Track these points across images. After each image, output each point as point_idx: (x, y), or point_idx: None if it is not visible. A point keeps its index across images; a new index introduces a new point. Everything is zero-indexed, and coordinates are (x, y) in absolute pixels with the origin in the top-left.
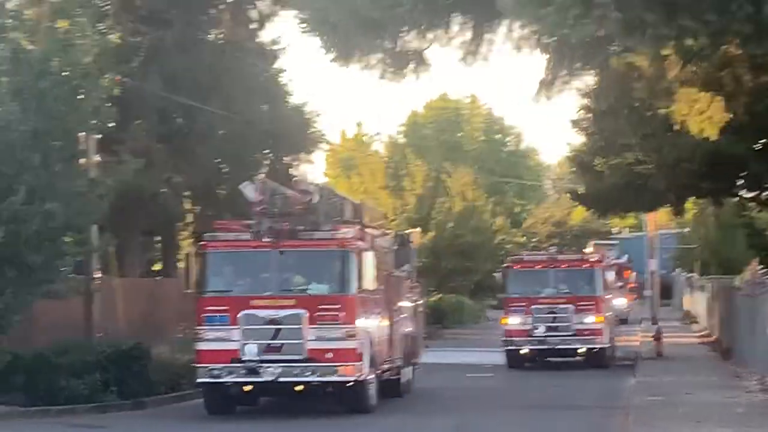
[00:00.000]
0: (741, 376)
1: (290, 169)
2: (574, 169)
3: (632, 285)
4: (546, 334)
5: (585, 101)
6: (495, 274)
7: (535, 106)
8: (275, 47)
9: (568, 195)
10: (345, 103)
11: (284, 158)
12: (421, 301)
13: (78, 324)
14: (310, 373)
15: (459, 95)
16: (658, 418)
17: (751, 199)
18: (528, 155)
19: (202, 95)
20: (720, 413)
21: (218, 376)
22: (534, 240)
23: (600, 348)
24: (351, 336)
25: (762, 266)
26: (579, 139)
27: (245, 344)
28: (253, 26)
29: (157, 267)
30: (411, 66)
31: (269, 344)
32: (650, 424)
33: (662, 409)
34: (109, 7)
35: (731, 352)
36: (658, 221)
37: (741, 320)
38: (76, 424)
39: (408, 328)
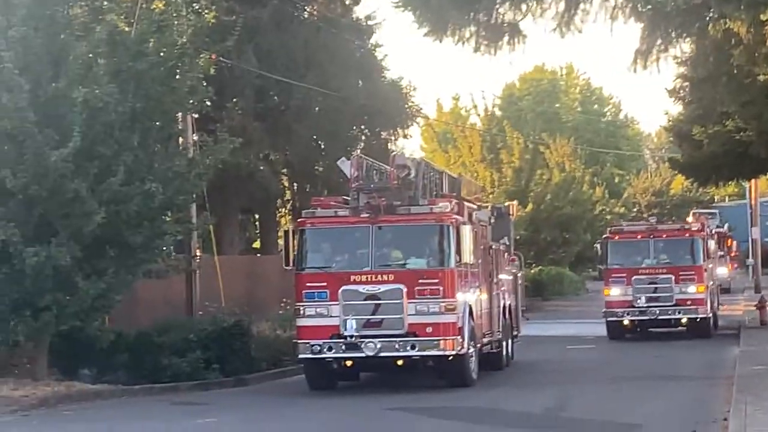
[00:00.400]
0: None
1: (387, 144)
2: (673, 138)
3: (734, 254)
4: (647, 304)
5: (682, 70)
6: (595, 246)
7: (633, 75)
8: (370, 22)
9: (668, 164)
10: (441, 77)
11: (381, 133)
12: (520, 274)
13: (179, 303)
14: (410, 347)
15: (555, 66)
16: (763, 388)
17: None
18: (627, 125)
19: (297, 72)
20: None
21: (319, 352)
22: (634, 210)
23: (702, 318)
24: (450, 310)
25: None
26: (677, 108)
27: (345, 320)
28: (347, 2)
29: (257, 245)
30: (505, 38)
31: (369, 319)
32: (756, 394)
33: (767, 379)
34: None
35: None
36: (760, 188)
37: None
38: (179, 401)
39: (507, 301)
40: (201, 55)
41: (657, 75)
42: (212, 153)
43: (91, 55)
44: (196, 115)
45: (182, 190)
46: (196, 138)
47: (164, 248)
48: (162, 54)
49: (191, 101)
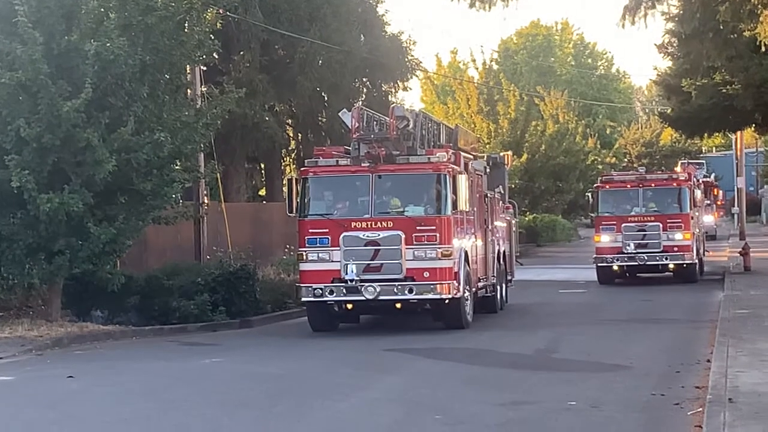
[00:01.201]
0: None
1: (387, 97)
2: (662, 92)
3: (720, 202)
4: (636, 250)
5: (670, 25)
6: (586, 194)
7: (622, 31)
8: None
9: (658, 117)
10: (440, 31)
11: (382, 86)
12: (514, 221)
13: (188, 248)
14: (408, 291)
15: (550, 22)
16: (745, 331)
17: None
18: (618, 78)
19: (301, 26)
20: None
21: (321, 295)
22: (625, 160)
23: (688, 263)
24: (447, 255)
25: None
26: (665, 62)
27: (346, 264)
28: None
29: (262, 192)
30: None
31: (369, 264)
32: (737, 337)
33: (749, 322)
34: None
35: None
36: (745, 140)
37: None
38: (188, 342)
39: (502, 247)
40: (208, 10)
41: (645, 30)
42: (219, 104)
43: (102, 10)
44: (204, 68)
45: (190, 139)
46: (203, 89)
47: (173, 195)
48: (170, 8)
49: (199, 54)
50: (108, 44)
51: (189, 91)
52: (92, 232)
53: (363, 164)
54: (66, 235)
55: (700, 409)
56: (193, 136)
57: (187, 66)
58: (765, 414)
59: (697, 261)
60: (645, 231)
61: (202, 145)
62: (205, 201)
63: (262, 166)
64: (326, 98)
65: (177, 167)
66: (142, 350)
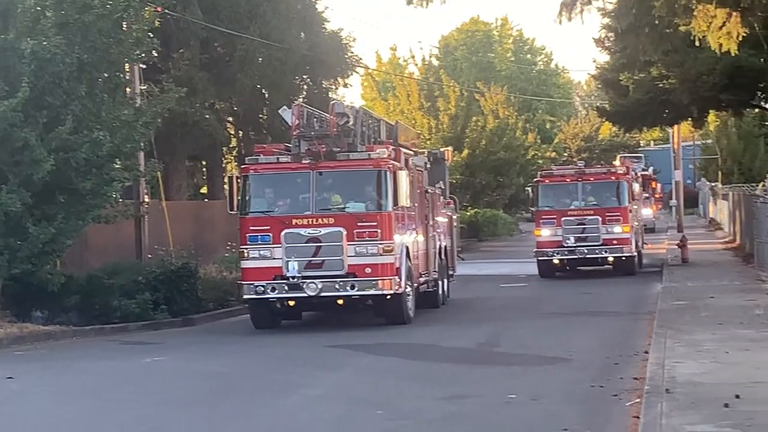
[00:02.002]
0: (762, 279)
1: (328, 93)
2: (600, 86)
3: (658, 195)
4: (576, 244)
5: (606, 20)
6: (527, 189)
7: (560, 27)
8: None
9: (595, 111)
10: (380, 29)
11: (322, 83)
12: (455, 216)
13: (128, 246)
14: (350, 287)
15: (490, 18)
16: (682, 322)
17: None
18: (557, 74)
19: (241, 24)
20: (741, 316)
21: (263, 293)
22: (564, 155)
23: (627, 256)
24: (388, 251)
25: None
26: (603, 57)
27: (288, 261)
28: None
29: (204, 190)
30: None
31: (310, 261)
32: (675, 328)
33: (687, 313)
34: None
35: (753, 256)
36: (682, 134)
37: (762, 226)
38: (129, 341)
39: (443, 242)
40: (146, 8)
41: (583, 26)
42: (159, 102)
43: (38, 8)
44: (143, 66)
45: (129, 138)
46: (143, 88)
47: (113, 194)
48: (108, 6)
49: (137, 52)
50: (45, 43)
51: (128, 89)
52: (31, 232)
53: (304, 161)
54: (4, 236)
55: (638, 399)
56: (132, 134)
57: (126, 64)
58: (701, 404)
59: (635, 254)
60: (584, 224)
61: (142, 144)
62: (146, 199)
63: (203, 164)
64: (267, 96)
65: (117, 166)
66: (83, 350)
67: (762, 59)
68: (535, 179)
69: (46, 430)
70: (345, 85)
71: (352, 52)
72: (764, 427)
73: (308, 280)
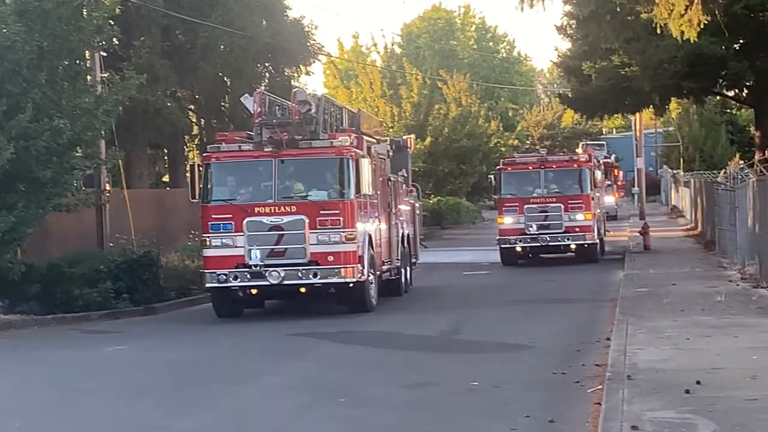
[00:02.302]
0: (723, 266)
1: (290, 81)
2: (562, 73)
3: (620, 183)
4: (538, 232)
5: (568, 8)
6: (489, 177)
7: (521, 14)
8: None
9: (558, 99)
10: (342, 16)
11: (284, 71)
12: (418, 204)
13: (90, 235)
14: (312, 275)
15: (452, 5)
16: (644, 309)
17: (732, 98)
18: (520, 61)
19: (202, 11)
20: (703, 302)
21: (225, 281)
22: (527, 143)
23: (589, 244)
24: (350, 239)
25: (743, 161)
26: (565, 44)
27: (250, 250)
28: None
29: (166, 178)
30: None
31: (273, 249)
32: (637, 315)
33: (648, 300)
34: None
35: (714, 243)
36: (644, 121)
37: (723, 213)
38: (91, 330)
39: (406, 230)
40: None
41: (545, 13)
42: (120, 90)
43: None
44: (104, 54)
45: (90, 126)
46: (103, 76)
47: (74, 183)
48: None
49: (98, 40)
50: (4, 30)
51: (88, 77)
52: None
53: (266, 149)
54: None
55: (600, 386)
56: (93, 122)
57: (87, 52)
58: (662, 390)
59: (598, 241)
60: (547, 212)
61: (102, 132)
62: (107, 188)
63: (165, 152)
64: (229, 83)
65: (77, 154)
66: (44, 339)
67: (723, 47)
68: (497, 167)
69: (4, 419)
70: (307, 73)
71: (314, 40)
72: (725, 412)
73: (271, 269)
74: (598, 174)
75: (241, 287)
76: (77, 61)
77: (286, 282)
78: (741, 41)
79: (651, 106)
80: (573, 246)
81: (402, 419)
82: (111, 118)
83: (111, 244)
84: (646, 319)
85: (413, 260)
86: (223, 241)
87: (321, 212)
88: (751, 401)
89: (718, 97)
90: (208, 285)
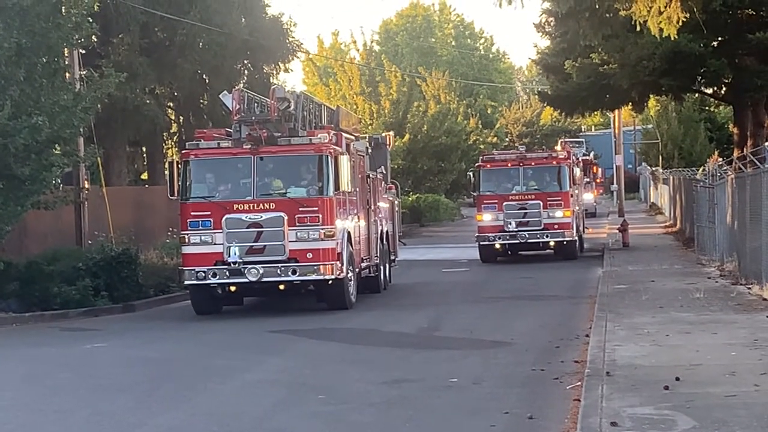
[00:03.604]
0: (702, 263)
1: (269, 79)
2: (541, 70)
3: (599, 180)
4: (517, 229)
5: (547, 5)
6: (468, 173)
7: (500, 11)
8: None
9: (537, 96)
10: (321, 14)
11: (263, 68)
12: (397, 201)
13: (69, 233)
14: (291, 272)
15: (429, 2)
16: (623, 306)
17: (711, 95)
18: (499, 59)
19: (181, 9)
20: (681, 299)
21: (204, 278)
22: (506, 140)
23: (568, 241)
24: (329, 236)
25: (721, 158)
26: (544, 42)
27: (229, 247)
28: None
29: (145, 176)
30: None
31: (252, 246)
32: (616, 311)
33: (627, 297)
34: None
35: (693, 240)
36: (623, 119)
37: (702, 210)
38: (70, 327)
39: (385, 227)
40: None
41: (523, 10)
42: (98, 87)
43: None
44: (82, 51)
45: (69, 123)
46: (82, 73)
47: (52, 180)
48: None
49: (76, 37)
50: None
51: (67, 74)
52: None
53: (245, 146)
54: None
55: (579, 383)
56: (71, 120)
57: (65, 49)
58: (641, 386)
59: (577, 238)
60: (526, 209)
61: (81, 129)
62: (86, 185)
63: (144, 149)
64: (207, 81)
65: (56, 152)
66: (22, 337)
67: (701, 44)
68: (476, 164)
69: None
70: (286, 70)
71: (293, 37)
72: (703, 408)
73: (249, 266)
74: (577, 171)
75: (220, 284)
76: (56, 59)
77: (264, 279)
78: (719, 39)
79: (630, 103)
80: (552, 243)
81: (380, 415)
82: (90, 115)
83: (90, 242)
84: (624, 316)
85: (392, 257)
86: (202, 238)
87: (300, 209)
88: (729, 397)
89: (696, 95)
90: (186, 282)
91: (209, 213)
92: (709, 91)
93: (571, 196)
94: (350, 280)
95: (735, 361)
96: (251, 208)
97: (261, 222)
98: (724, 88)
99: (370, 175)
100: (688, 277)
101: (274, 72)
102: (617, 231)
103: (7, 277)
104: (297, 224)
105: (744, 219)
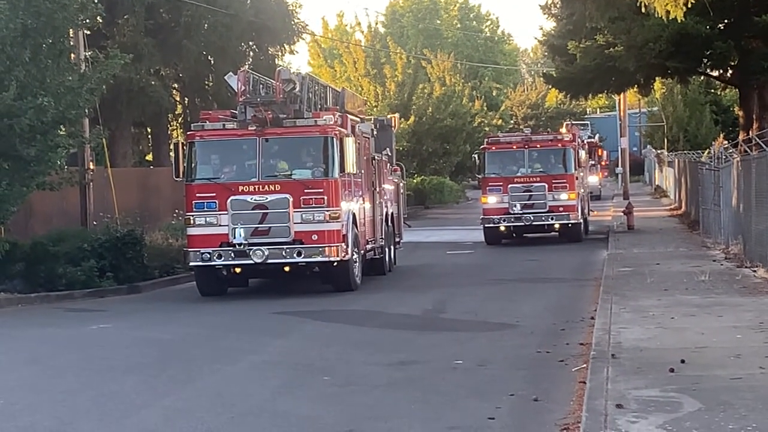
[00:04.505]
0: (707, 246)
1: (275, 60)
2: (547, 52)
3: (604, 162)
4: (522, 211)
5: None
6: (473, 156)
7: None
8: None
9: (542, 78)
10: None
11: (268, 49)
12: (402, 183)
13: (74, 214)
14: (296, 254)
15: None
16: (628, 288)
17: (717, 78)
18: (504, 41)
19: None
20: (687, 282)
21: (209, 260)
22: (511, 122)
23: (573, 223)
24: (334, 218)
25: (727, 141)
26: (550, 23)
27: (234, 228)
28: None
29: (149, 157)
30: None
31: (257, 228)
32: (620, 294)
33: (632, 280)
34: None
35: (698, 223)
36: (628, 101)
37: (707, 193)
38: (75, 308)
39: (390, 209)
40: None
41: None
42: (104, 68)
43: None
44: (88, 32)
45: (74, 104)
46: (87, 54)
47: (57, 161)
48: None
49: (82, 18)
50: None
51: (72, 55)
52: None
53: (250, 128)
54: None
55: (584, 365)
56: (77, 101)
57: (71, 30)
58: (646, 368)
59: (582, 221)
60: (531, 192)
61: (86, 110)
62: (91, 166)
63: (149, 130)
64: (212, 62)
65: (61, 132)
66: (28, 318)
67: (708, 27)
68: (481, 146)
69: None
70: (291, 52)
71: (298, 19)
72: (709, 391)
73: (255, 247)
74: (582, 153)
75: (225, 266)
76: (61, 39)
77: (270, 261)
78: (726, 21)
79: (635, 85)
80: (557, 225)
81: (385, 397)
82: (95, 96)
83: (95, 223)
84: (630, 299)
85: (397, 239)
86: (207, 219)
87: (305, 191)
88: (735, 380)
89: (702, 77)
90: (191, 264)
91: (214, 194)
92: (715, 73)
93: (576, 178)
94: (355, 262)
95: (740, 344)
96: (256, 189)
97: (266, 204)
98: (730, 71)
99: (375, 157)
100: (693, 260)
101: (280, 53)
102: (622, 213)
103: (12, 257)
104: (302, 206)
105: (749, 202)
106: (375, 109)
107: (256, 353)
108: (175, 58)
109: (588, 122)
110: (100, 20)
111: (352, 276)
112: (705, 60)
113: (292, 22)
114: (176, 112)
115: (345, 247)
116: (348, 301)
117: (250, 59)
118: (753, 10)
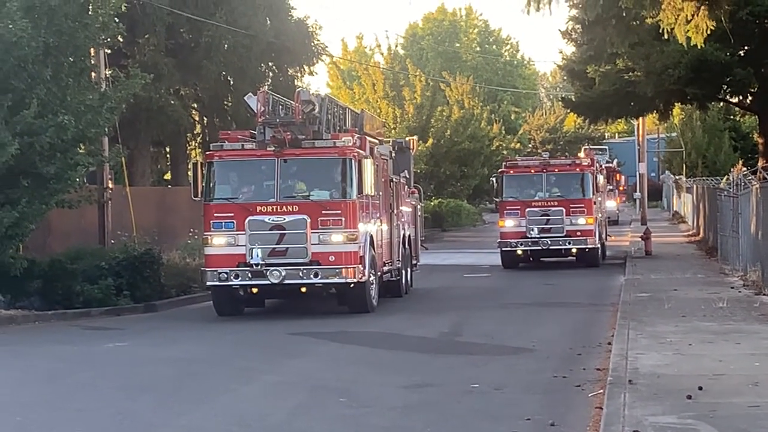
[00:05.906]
0: (725, 272)
1: (294, 81)
2: (566, 77)
3: (622, 187)
4: (539, 235)
5: (574, 12)
6: (491, 179)
7: (527, 17)
8: None
9: (561, 103)
10: (347, 17)
11: (288, 70)
12: (419, 206)
13: (92, 232)
14: (313, 275)
15: (456, 7)
16: (645, 314)
17: (736, 104)
18: (523, 65)
19: (207, 10)
20: (704, 308)
21: (226, 279)
22: (529, 146)
23: (591, 248)
24: (352, 239)
25: (746, 168)
26: (570, 48)
27: (251, 248)
28: None
29: (168, 176)
30: None
31: (274, 248)
32: (638, 320)
33: (650, 305)
34: None
35: (716, 250)
36: (647, 127)
37: (725, 219)
38: (91, 326)
39: (407, 231)
40: None
41: (550, 17)
42: (124, 88)
43: None
44: (108, 51)
45: (94, 123)
46: (108, 73)
47: (77, 179)
48: None
49: (103, 37)
50: (11, 26)
51: (93, 74)
52: None
53: (268, 148)
54: None
55: (601, 390)
56: (97, 119)
57: (92, 49)
58: (663, 395)
59: (599, 245)
60: (548, 216)
61: (106, 129)
62: (110, 185)
63: (168, 150)
64: (232, 82)
65: (81, 151)
66: (44, 335)
67: (727, 53)
68: (499, 170)
69: (6, 414)
70: (311, 73)
71: (318, 40)
72: (726, 418)
73: (272, 268)
74: (600, 178)
75: (242, 286)
76: (82, 58)
77: (287, 281)
78: (745, 48)
79: (654, 111)
80: (574, 250)
81: (401, 420)
82: (115, 115)
83: (112, 241)
84: (647, 324)
85: (414, 262)
86: (225, 239)
87: (323, 212)
88: (753, 407)
89: (721, 104)
90: (209, 283)
91: (232, 214)
92: (735, 100)
93: (594, 203)
94: (372, 284)
95: (758, 372)
96: (274, 210)
97: (284, 224)
98: (749, 98)
99: (393, 179)
100: (711, 287)
101: (299, 74)
102: (640, 239)
103: (30, 274)
104: (320, 227)
105: None
106: (393, 131)
107: (272, 373)
108: (194, 78)
109: (606, 147)
110: (121, 39)
111: (368, 298)
112: (724, 86)
113: (312, 44)
114: (195, 132)
115: (362, 268)
116: (364, 323)
117: (270, 80)
118: None
